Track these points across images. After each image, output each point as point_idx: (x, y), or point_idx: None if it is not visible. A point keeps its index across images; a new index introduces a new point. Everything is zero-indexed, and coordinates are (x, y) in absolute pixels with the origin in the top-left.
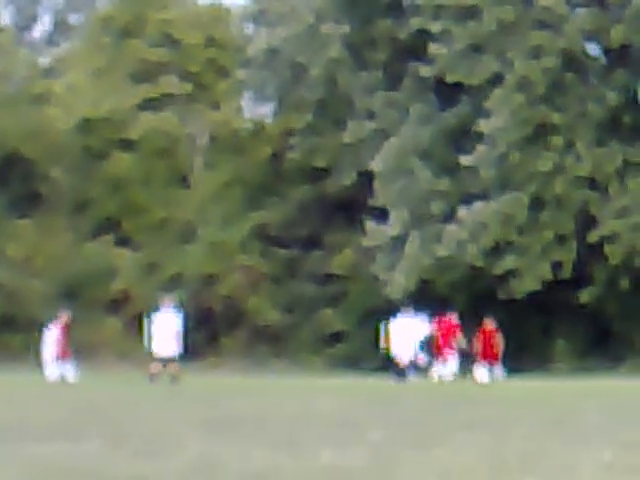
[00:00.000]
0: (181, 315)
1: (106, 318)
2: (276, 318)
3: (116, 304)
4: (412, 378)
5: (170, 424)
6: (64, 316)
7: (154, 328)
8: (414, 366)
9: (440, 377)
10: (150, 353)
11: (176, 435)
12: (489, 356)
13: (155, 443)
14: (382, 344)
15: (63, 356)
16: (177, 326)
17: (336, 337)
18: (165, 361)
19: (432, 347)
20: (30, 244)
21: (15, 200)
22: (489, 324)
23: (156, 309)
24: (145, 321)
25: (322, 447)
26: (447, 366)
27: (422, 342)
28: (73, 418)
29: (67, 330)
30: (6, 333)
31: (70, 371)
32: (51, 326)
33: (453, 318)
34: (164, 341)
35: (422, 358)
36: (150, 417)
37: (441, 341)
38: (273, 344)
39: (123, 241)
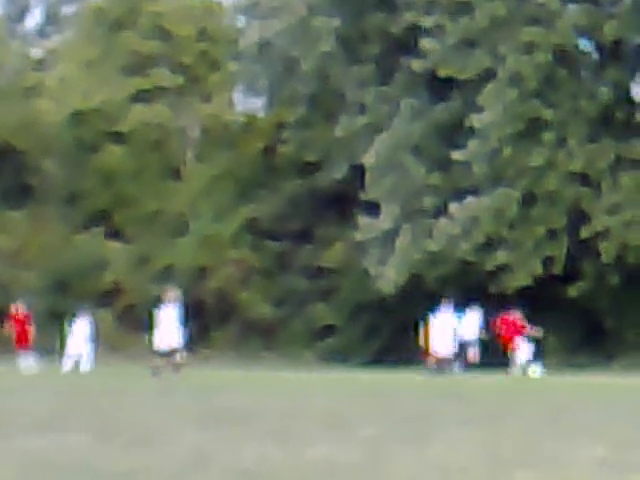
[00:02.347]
0: (182, 308)
1: (97, 310)
2: (267, 311)
3: (107, 296)
4: (456, 374)
5: (160, 417)
6: (20, 307)
7: (158, 322)
8: (461, 362)
9: (508, 372)
10: (153, 347)
11: (166, 428)
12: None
13: (145, 436)
14: (421, 340)
15: (22, 347)
16: (178, 319)
17: (327, 331)
18: (169, 354)
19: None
20: (21, 236)
21: (6, 192)
22: (514, 316)
23: (159, 304)
24: (153, 315)
25: (314, 442)
26: (513, 363)
27: (477, 339)
28: (63, 410)
29: (27, 321)
30: None
31: (23, 363)
32: (77, 319)
33: (517, 316)
34: (167, 334)
35: (476, 355)
36: (140, 410)
37: (506, 339)
38: (264, 337)
39: (114, 233)
